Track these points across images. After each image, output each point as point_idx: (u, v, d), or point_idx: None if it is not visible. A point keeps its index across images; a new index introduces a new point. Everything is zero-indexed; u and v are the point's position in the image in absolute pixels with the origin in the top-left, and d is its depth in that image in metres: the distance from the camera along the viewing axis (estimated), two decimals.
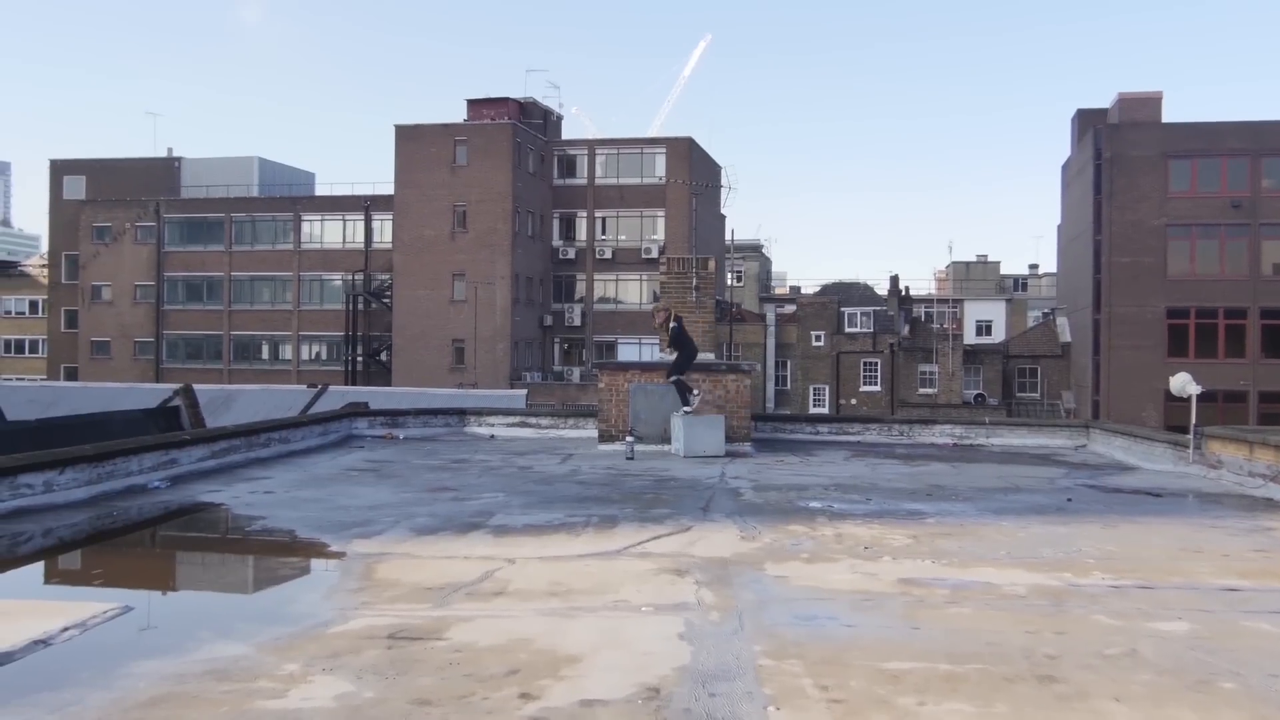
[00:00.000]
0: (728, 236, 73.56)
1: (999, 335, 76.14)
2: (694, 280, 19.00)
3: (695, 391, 17.15)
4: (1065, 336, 62.80)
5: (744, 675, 5.54)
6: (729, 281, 75.99)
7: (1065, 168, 62.83)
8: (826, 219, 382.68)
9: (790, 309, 69.60)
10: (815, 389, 65.35)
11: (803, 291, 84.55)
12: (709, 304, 19.29)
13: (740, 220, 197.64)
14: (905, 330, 66.27)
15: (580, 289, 68.53)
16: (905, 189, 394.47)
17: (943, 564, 8.52)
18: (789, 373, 65.94)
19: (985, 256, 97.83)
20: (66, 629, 6.20)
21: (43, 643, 5.95)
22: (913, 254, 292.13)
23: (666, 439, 17.58)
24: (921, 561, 8.59)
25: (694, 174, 67.13)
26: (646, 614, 6.81)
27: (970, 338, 72.79)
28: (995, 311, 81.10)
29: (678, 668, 5.62)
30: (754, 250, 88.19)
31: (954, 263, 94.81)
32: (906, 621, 6.72)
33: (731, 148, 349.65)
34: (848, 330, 66.06)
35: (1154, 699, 5.29)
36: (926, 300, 76.63)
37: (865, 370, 64.85)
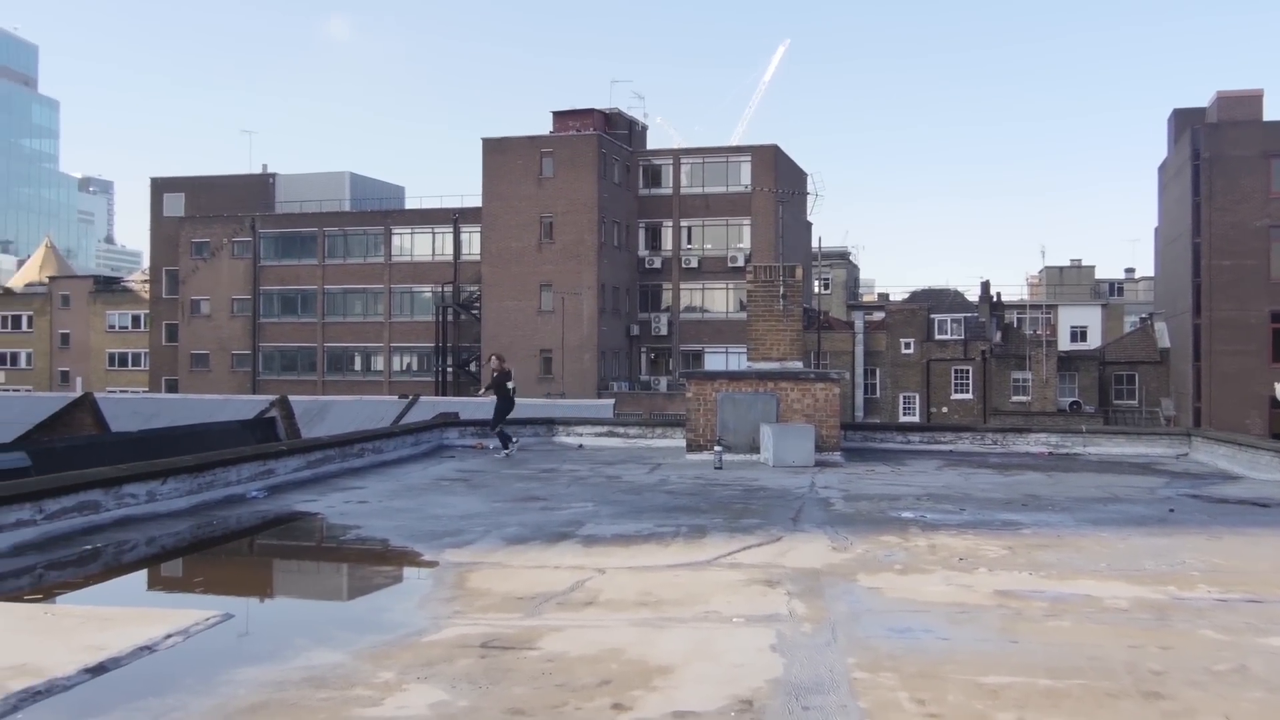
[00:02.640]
0: (814, 244, 73.08)
1: (1094, 341, 74.46)
2: (780, 288, 18.89)
3: (515, 440, 18.73)
4: (1164, 342, 61.19)
5: (838, 688, 5.47)
6: (816, 289, 75.49)
7: (1162, 169, 61.29)
8: (915, 226, 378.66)
9: (879, 316, 68.83)
10: (905, 397, 64.54)
11: (891, 299, 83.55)
12: (796, 312, 19.17)
13: (827, 227, 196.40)
14: (997, 337, 65.15)
15: (666, 298, 68.58)
16: (996, 194, 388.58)
17: (1040, 576, 8.33)
18: (878, 381, 65.20)
19: (1079, 261, 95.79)
20: (170, 635, 6.35)
21: (148, 649, 6.09)
22: (1004, 260, 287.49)
23: (755, 448, 17.49)
24: (1018, 573, 8.41)
25: (779, 181, 66.84)
26: (737, 625, 6.76)
27: (1064, 344, 71.29)
28: (1090, 317, 79.33)
29: (770, 680, 5.57)
30: (841, 257, 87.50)
31: (1047, 268, 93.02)
32: (1004, 635, 6.58)
33: (817, 154, 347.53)
34: (938, 337, 65.13)
35: (1266, 718, 5.11)
36: (1019, 306, 75.23)
37: (956, 378, 63.87)
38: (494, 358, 19.88)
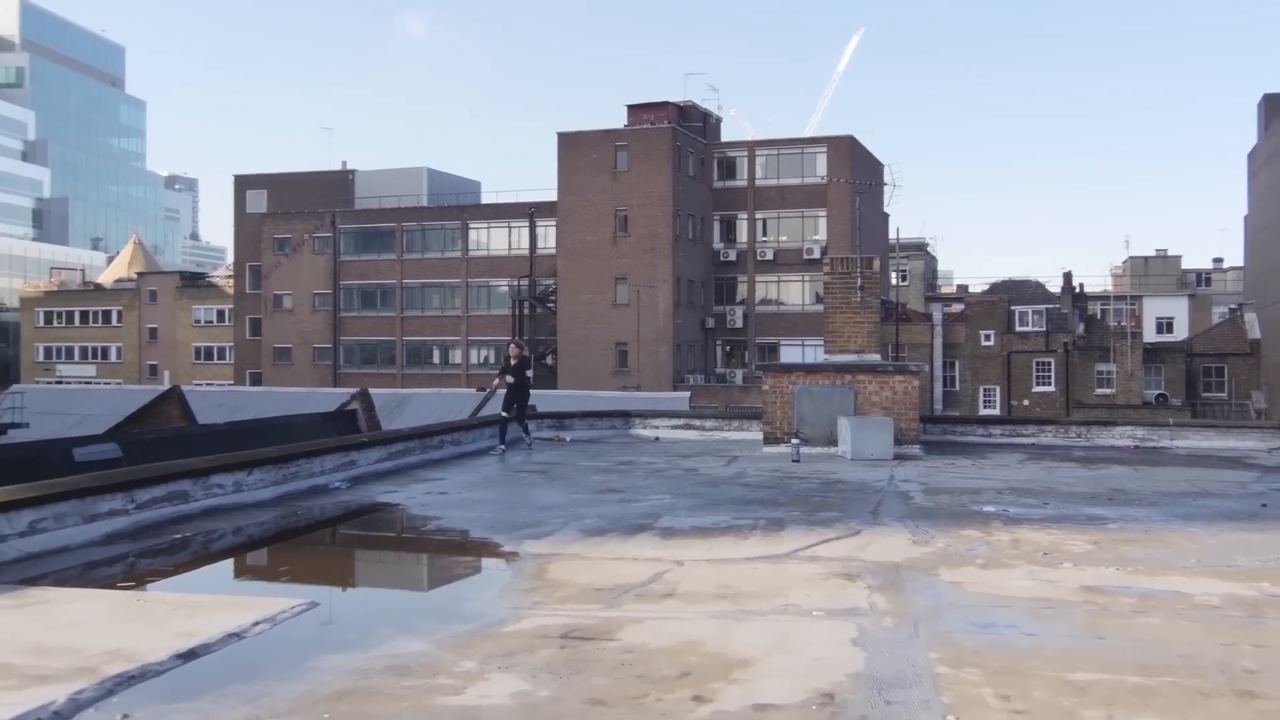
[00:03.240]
0: (892, 235, 72.33)
1: (1181, 333, 72.74)
2: (858, 280, 18.72)
3: (530, 437, 18.51)
4: (1254, 333, 59.61)
5: (920, 683, 5.41)
6: (894, 281, 74.70)
7: (1251, 156, 59.65)
8: (994, 217, 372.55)
9: (958, 308, 67.93)
10: (985, 390, 63.65)
11: (970, 290, 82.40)
12: (873, 304, 18.98)
13: (904, 219, 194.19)
14: (1080, 329, 63.95)
15: (742, 291, 68.37)
16: (1078, 184, 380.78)
17: (1128, 571, 8.17)
18: (957, 374, 64.38)
19: (1165, 251, 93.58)
20: (257, 623, 6.47)
21: (236, 636, 6.22)
22: (1087, 250, 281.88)
23: (832, 441, 17.37)
24: (1105, 569, 8.25)
25: (856, 172, 66.23)
26: (817, 618, 6.72)
27: (1150, 335, 69.71)
28: (1176, 308, 77.51)
29: (851, 674, 5.53)
30: (919, 249, 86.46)
31: (1131, 258, 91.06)
32: (1091, 631, 6.45)
33: (893, 145, 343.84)
34: (1019, 329, 64.10)
35: None
36: (1102, 297, 73.79)
37: (1038, 370, 62.81)
38: (513, 344, 19.25)
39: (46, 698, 4.98)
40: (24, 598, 7.14)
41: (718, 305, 68.64)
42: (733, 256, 68.12)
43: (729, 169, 69.01)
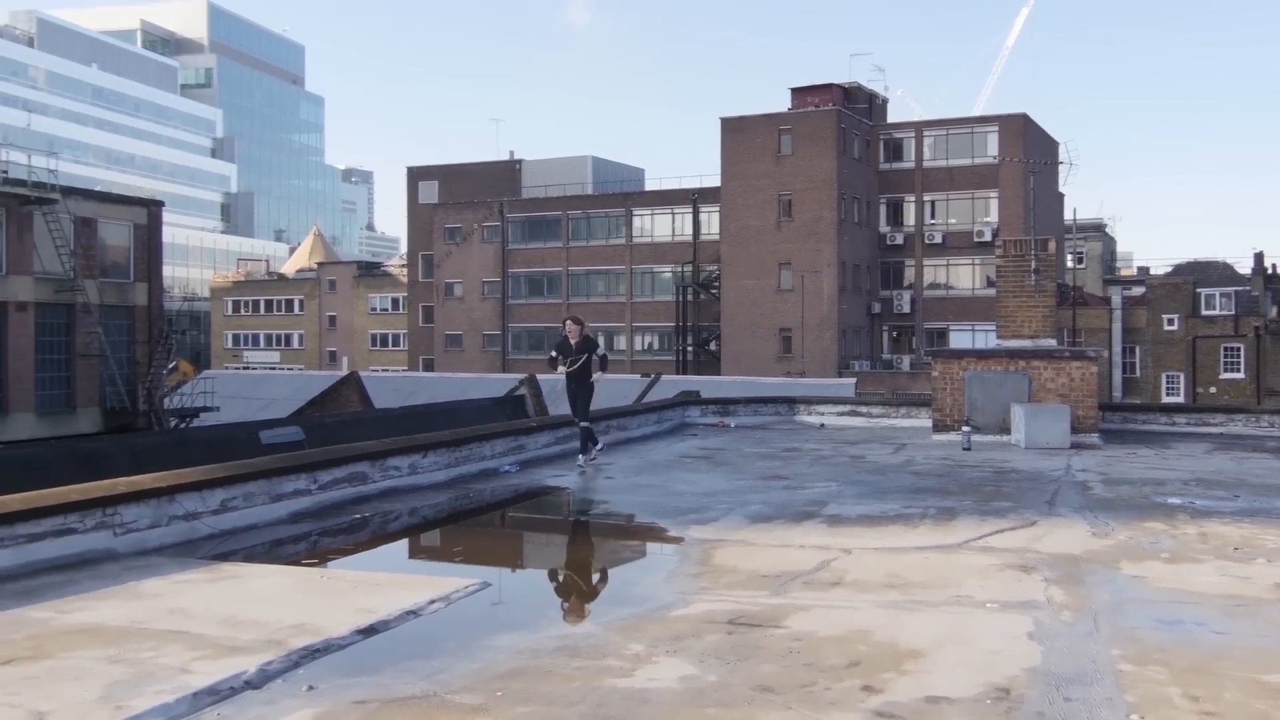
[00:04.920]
0: (1068, 216, 69.66)
1: None
2: (1032, 263, 18.11)
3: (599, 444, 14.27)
4: None
5: (1102, 680, 5.20)
6: (1069, 264, 72.03)
7: None
8: (1178, 196, 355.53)
9: (1138, 291, 65.09)
10: (1168, 377, 60.88)
11: (1152, 272, 78.86)
12: (1049, 287, 18.34)
13: (1081, 199, 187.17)
14: (1273, 312, 60.52)
15: (909, 275, 67.03)
16: (1269, 161, 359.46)
17: None
18: (1137, 360, 61.74)
19: None
20: (433, 601, 6.67)
21: (413, 613, 6.42)
22: (1278, 230, 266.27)
23: (1005, 429, 16.88)
24: None
25: (1029, 151, 64.08)
26: (991, 610, 6.54)
27: None
28: None
29: (1028, 668, 5.36)
30: (1096, 230, 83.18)
31: None
32: None
33: (1068, 123, 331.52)
34: (1205, 313, 61.05)
35: None
36: None
37: (1226, 356, 59.73)
38: (570, 320, 14.38)
39: (239, 668, 5.24)
40: (217, 572, 7.51)
41: (884, 290, 67.47)
42: (899, 240, 66.84)
43: (896, 150, 67.69)
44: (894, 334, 68.15)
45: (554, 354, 14.02)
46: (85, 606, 6.45)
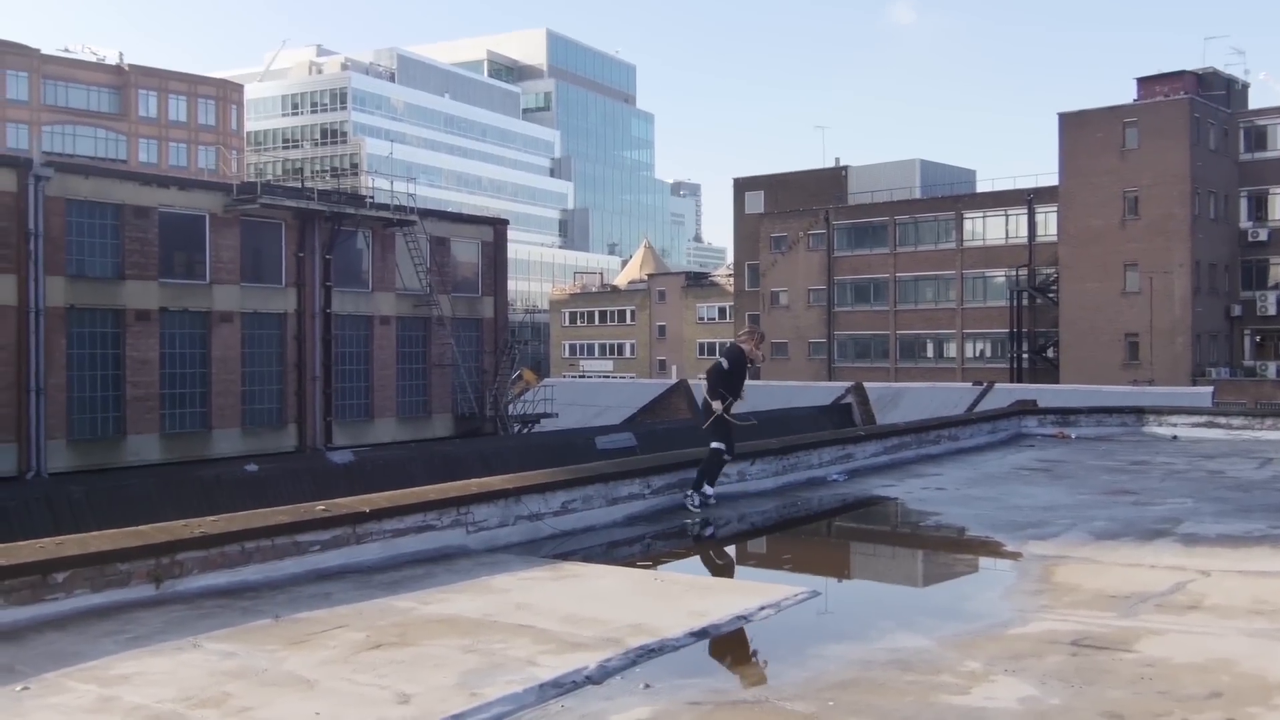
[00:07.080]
0: None
1: None
2: None
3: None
4: None
5: None
6: None
7: None
8: None
9: None
10: None
11: None
12: None
13: None
14: None
15: (1275, 274, 61.28)
16: None
17: None
18: None
19: None
20: (763, 608, 6.73)
21: (743, 619, 6.50)
22: None
23: None
24: None
25: None
26: None
27: None
28: None
29: None
30: None
31: None
32: None
33: None
34: None
35: None
36: None
37: None
38: (745, 333, 11.56)
39: (580, 663, 5.48)
40: (558, 571, 7.90)
41: (1245, 291, 62.01)
42: (1263, 236, 61.22)
43: (1258, 139, 62.12)
44: (1257, 338, 62.50)
45: (722, 390, 10.66)
46: (443, 598, 6.95)
